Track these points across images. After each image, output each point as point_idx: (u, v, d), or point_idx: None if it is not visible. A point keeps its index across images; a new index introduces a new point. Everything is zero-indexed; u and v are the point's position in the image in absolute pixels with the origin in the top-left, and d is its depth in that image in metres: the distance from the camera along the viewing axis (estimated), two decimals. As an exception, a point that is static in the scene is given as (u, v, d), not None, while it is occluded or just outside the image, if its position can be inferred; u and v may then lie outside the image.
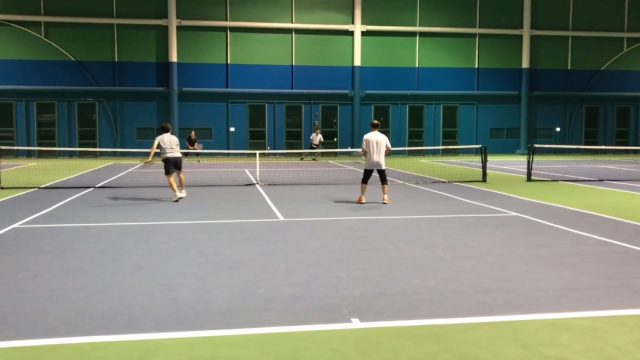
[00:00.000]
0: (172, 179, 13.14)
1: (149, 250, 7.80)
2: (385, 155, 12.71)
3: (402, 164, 25.94)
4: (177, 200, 12.89)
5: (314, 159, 30.22)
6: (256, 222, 10.19)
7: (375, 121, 13.01)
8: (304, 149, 33.62)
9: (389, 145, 12.77)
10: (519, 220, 10.33)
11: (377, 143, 12.52)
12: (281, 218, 10.57)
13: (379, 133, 12.69)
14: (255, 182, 17.01)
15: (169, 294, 5.74)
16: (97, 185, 16.26)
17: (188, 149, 27.58)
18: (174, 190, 13.02)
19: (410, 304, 5.46)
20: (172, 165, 13.22)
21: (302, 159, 30.57)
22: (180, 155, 13.36)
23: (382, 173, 12.73)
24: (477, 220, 10.35)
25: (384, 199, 12.65)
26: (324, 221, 10.24)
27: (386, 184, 12.79)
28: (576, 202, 12.82)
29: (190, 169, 23.18)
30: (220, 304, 5.44)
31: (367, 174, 12.80)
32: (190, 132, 28.82)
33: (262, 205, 12.32)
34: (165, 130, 13.48)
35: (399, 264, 7.04)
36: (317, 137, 30.55)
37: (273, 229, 9.40)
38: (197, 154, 28.55)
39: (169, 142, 13.18)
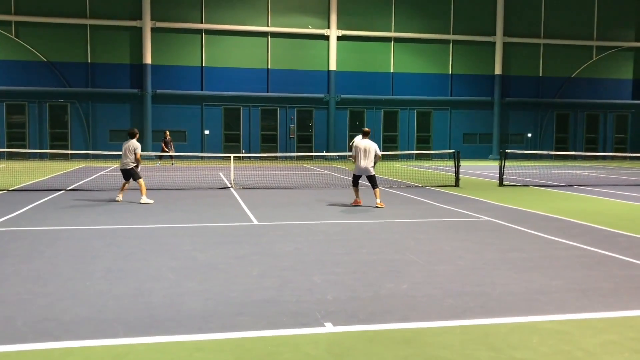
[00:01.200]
0: (124, 185, 13.70)
1: (120, 253, 7.71)
2: (375, 162, 12.88)
3: (377, 168, 26.02)
4: (117, 200, 13.37)
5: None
6: (230, 225, 10.14)
7: (366, 129, 13.22)
8: (280, 151, 33.53)
9: (379, 152, 12.99)
10: (491, 225, 10.47)
11: (365, 150, 12.73)
12: (255, 222, 10.54)
13: (369, 140, 12.90)
14: (229, 185, 16.93)
15: (140, 299, 5.68)
16: (68, 188, 16.01)
17: (163, 150, 27.29)
18: (119, 192, 13.71)
19: (383, 307, 5.49)
20: (123, 175, 13.57)
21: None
22: (129, 167, 13.34)
23: (371, 179, 12.93)
24: (450, 225, 10.46)
25: (377, 203, 12.74)
26: (298, 225, 10.24)
27: (377, 187, 12.92)
28: (546, 206, 13.04)
29: (164, 172, 22.96)
30: (192, 308, 5.40)
31: (356, 178, 13.02)
32: (165, 133, 28.28)
33: (236, 208, 12.27)
34: (130, 136, 13.61)
35: (373, 267, 7.07)
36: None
37: (247, 233, 9.37)
38: (171, 157, 28.19)
39: (124, 152, 13.37)
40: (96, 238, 8.82)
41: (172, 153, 26.77)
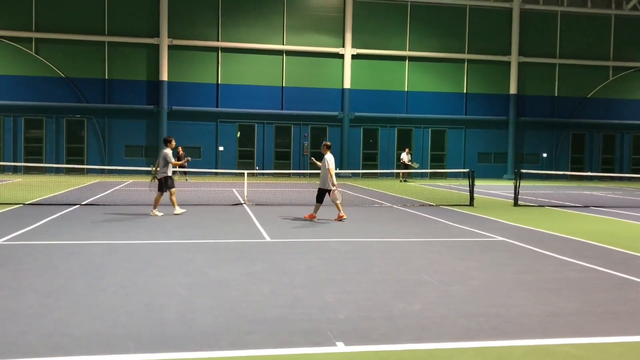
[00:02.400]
0: (159, 196, 13.89)
1: (133, 269, 7.72)
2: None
3: (390, 187, 25.98)
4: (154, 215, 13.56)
5: (405, 181, 30.64)
6: (242, 242, 10.13)
7: (329, 142, 14.11)
8: (293, 168, 33.56)
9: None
10: (505, 245, 10.37)
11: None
12: (267, 238, 10.52)
13: None
14: (242, 202, 16.95)
15: (152, 314, 5.68)
16: (83, 203, 16.12)
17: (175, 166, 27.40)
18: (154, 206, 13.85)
19: (396, 328, 5.43)
20: (159, 184, 13.90)
21: (404, 181, 30.76)
22: (164, 175, 13.80)
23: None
24: (464, 244, 10.37)
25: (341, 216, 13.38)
26: (311, 242, 10.20)
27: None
28: (562, 227, 12.89)
29: (178, 187, 22.99)
30: (204, 325, 5.38)
31: (324, 193, 13.51)
32: (178, 148, 28.40)
33: (248, 225, 12.26)
34: (164, 143, 14.09)
35: (385, 287, 7.01)
36: (407, 157, 31.25)
37: (259, 250, 9.35)
38: (185, 173, 28.30)
39: (159, 159, 13.93)
40: (109, 253, 8.85)
41: (185, 169, 26.84)
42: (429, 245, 10.23)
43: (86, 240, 10.03)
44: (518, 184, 18.23)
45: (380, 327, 5.44)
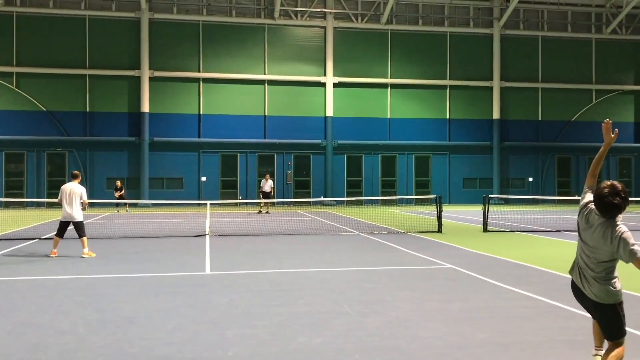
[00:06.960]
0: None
1: (45, 305, 7.49)
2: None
3: (370, 214, 25.74)
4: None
5: (266, 212, 27.19)
6: (179, 275, 9.90)
7: (76, 172, 12.72)
8: (277, 197, 33.25)
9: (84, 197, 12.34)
10: (450, 273, 10.12)
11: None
12: (207, 271, 10.29)
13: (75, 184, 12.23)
14: (206, 233, 16.72)
15: (33, 355, 5.45)
16: (43, 237, 15.90)
17: (116, 198, 27.44)
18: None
19: (281, 364, 5.21)
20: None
21: (260, 211, 27.26)
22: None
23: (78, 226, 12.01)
24: (407, 273, 10.13)
25: (84, 253, 11.99)
26: (250, 274, 9.97)
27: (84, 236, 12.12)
28: (519, 253, 12.65)
29: (147, 219, 22.84)
30: (80, 365, 5.16)
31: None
32: (117, 182, 28.41)
33: (197, 257, 12.02)
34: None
35: (297, 320, 6.78)
36: (267, 184, 27.22)
37: (191, 283, 9.11)
38: (125, 204, 28.06)
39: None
40: (33, 289, 8.62)
41: (125, 200, 26.78)
42: (370, 274, 9.98)
43: (17, 276, 9.79)
44: (487, 210, 18.02)
45: (265, 364, 5.22)
